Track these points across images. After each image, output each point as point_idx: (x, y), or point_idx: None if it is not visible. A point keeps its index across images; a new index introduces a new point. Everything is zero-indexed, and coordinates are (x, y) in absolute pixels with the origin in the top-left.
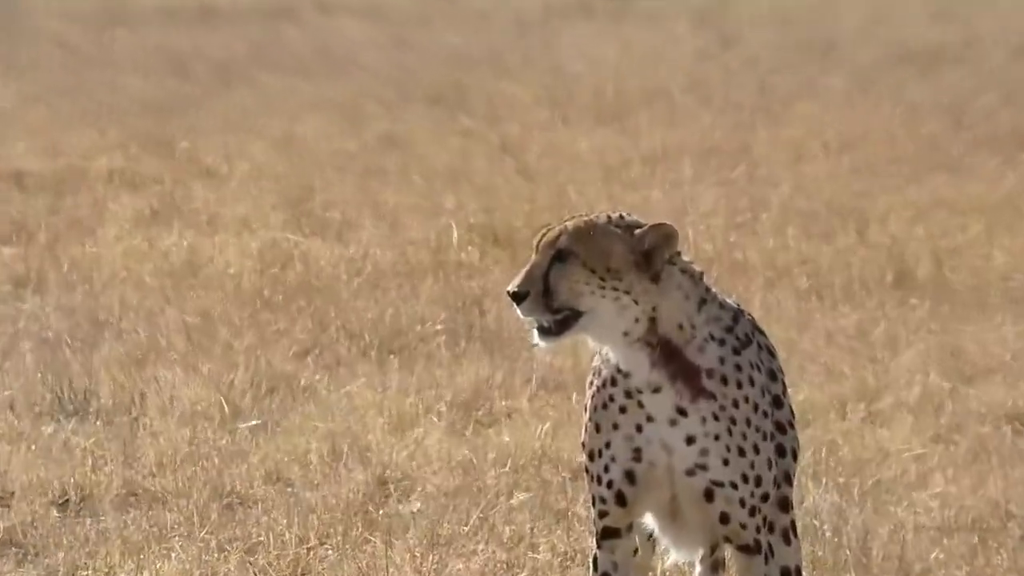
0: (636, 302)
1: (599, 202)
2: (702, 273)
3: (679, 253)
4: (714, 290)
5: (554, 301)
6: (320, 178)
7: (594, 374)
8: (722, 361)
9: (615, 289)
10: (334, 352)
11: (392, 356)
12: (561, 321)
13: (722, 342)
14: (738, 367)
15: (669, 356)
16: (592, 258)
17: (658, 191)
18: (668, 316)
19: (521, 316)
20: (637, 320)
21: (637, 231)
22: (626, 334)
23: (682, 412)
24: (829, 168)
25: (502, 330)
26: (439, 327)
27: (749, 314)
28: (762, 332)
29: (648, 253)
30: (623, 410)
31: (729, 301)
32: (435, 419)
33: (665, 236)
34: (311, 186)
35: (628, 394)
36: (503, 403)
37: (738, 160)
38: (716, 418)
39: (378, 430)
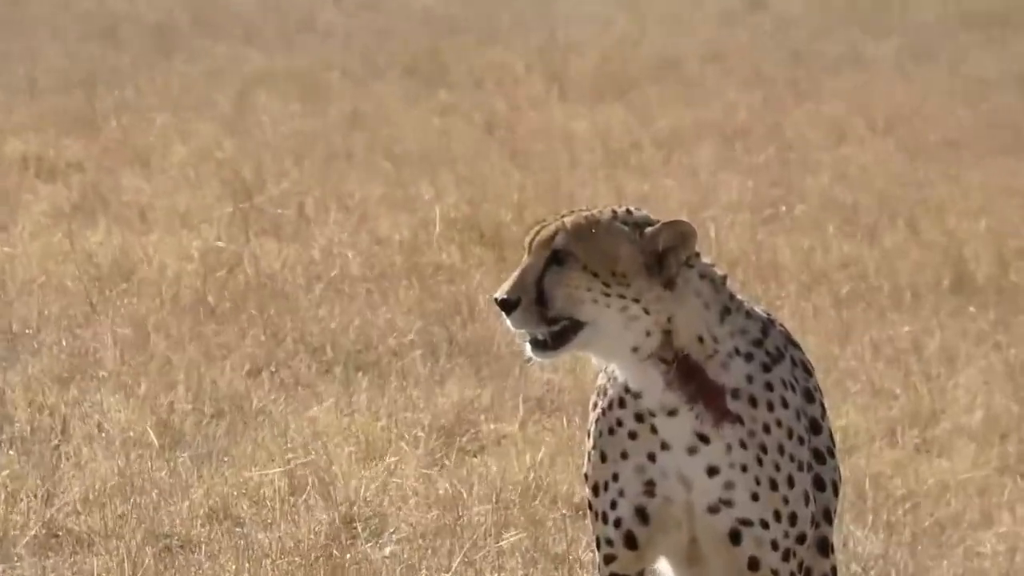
0: (647, 311)
1: (603, 193)
2: (725, 277)
3: (698, 254)
4: (740, 297)
5: (550, 310)
6: (274, 164)
7: (598, 394)
8: (750, 379)
9: (622, 296)
10: (292, 369)
11: (360, 374)
12: (558, 333)
13: (749, 357)
14: (768, 386)
15: (687, 374)
16: (594, 260)
17: (673, 180)
18: (685, 328)
19: (511, 327)
20: (648, 333)
21: (648, 229)
22: (635, 349)
23: (703, 438)
24: (876, 152)
25: (489, 343)
26: (415, 339)
27: (781, 324)
28: (796, 345)
29: (661, 255)
30: (633, 436)
31: (757, 310)
32: (411, 447)
33: (681, 235)
34: (263, 174)
35: (639, 417)
36: (491, 427)
37: (768, 143)
38: (743, 445)
39: (344, 460)
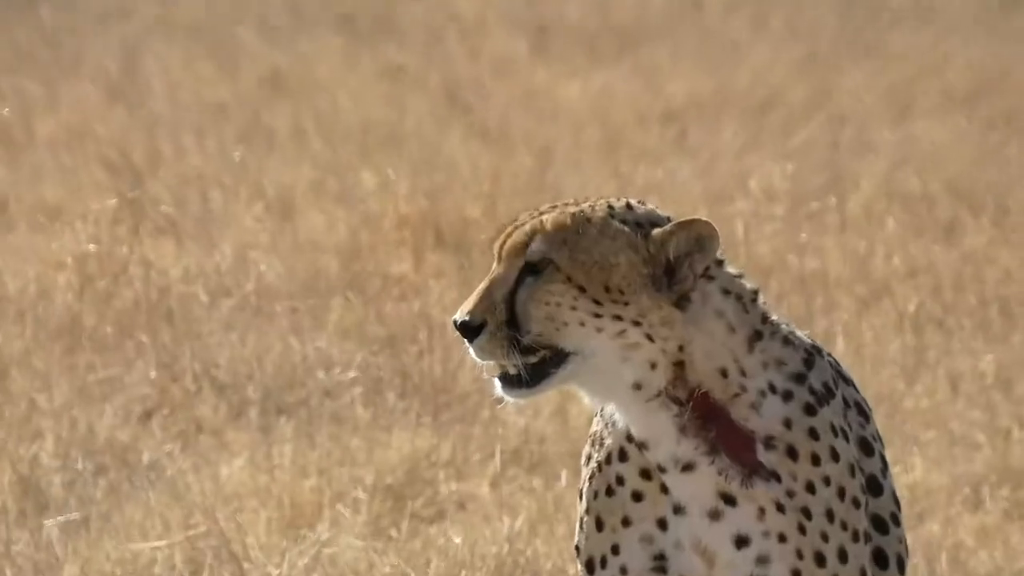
0: (650, 338)
1: (597, 180)
2: (756, 292)
3: (720, 262)
4: (775, 318)
5: (524, 335)
6: (170, 142)
7: (593, 444)
8: (788, 424)
9: (617, 318)
10: (193, 413)
11: (283, 418)
12: (536, 366)
13: (788, 396)
14: (813, 433)
15: (706, 417)
16: (581, 271)
17: (688, 164)
18: (703, 358)
19: (475, 358)
20: (653, 365)
21: (655, 231)
22: (638, 386)
23: (728, 500)
24: (951, 127)
25: (452, 379)
26: (355, 374)
27: (829, 354)
28: (850, 382)
29: (671, 264)
30: (637, 497)
31: (799, 335)
32: (349, 512)
33: (698, 238)
34: (157, 155)
35: (645, 474)
36: (452, 488)
37: (811, 116)
38: (780, 509)
39: (261, 530)
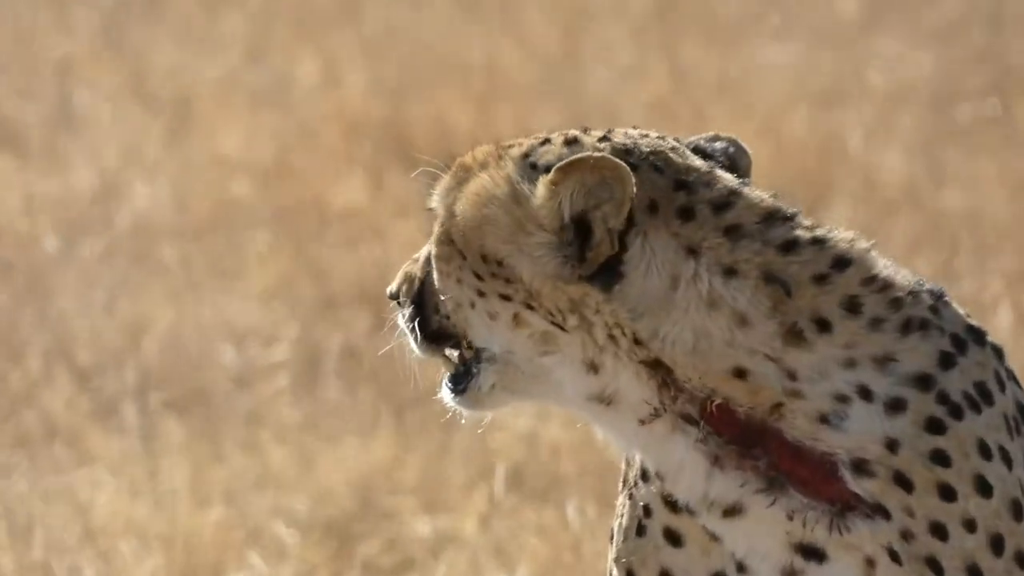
0: (562, 327)
1: (642, 71)
2: (790, 218)
3: (723, 205)
4: (888, 275)
5: (432, 316)
6: (9, 10)
7: (629, 460)
8: (894, 446)
9: (505, 299)
10: (37, 408)
11: (172, 418)
12: (464, 365)
13: (897, 405)
14: (939, 458)
15: (745, 440)
16: (459, 232)
17: (781, 46)
18: (690, 357)
19: (412, 347)
20: (595, 368)
21: (542, 179)
22: (604, 400)
23: (811, 553)
24: None
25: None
26: (280, 355)
27: (989, 341)
28: (1013, 378)
29: (581, 223)
30: (674, 540)
31: (954, 307)
32: (271, 559)
33: (600, 183)
34: None
35: (692, 512)
36: (424, 524)
37: None
38: (895, 558)
39: None
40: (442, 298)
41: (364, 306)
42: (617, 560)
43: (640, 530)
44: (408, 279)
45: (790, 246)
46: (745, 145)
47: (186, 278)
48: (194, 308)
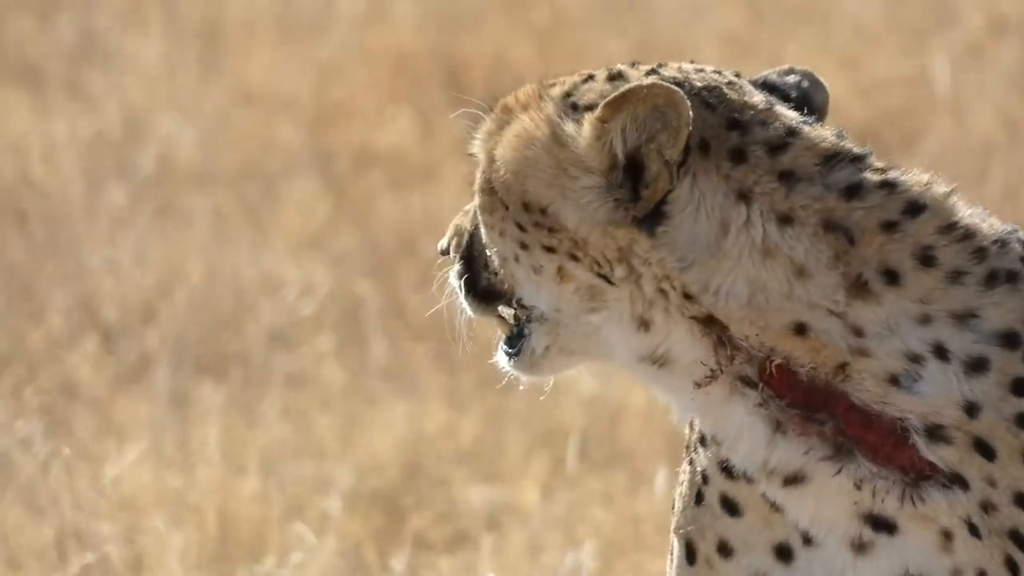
0: (608, 279)
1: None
2: (861, 159)
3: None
4: (972, 225)
5: (481, 274)
6: None
7: (692, 424)
8: (973, 409)
9: (549, 250)
10: (59, 371)
11: (206, 382)
12: (518, 326)
13: (979, 365)
14: None
15: (809, 403)
16: (500, 180)
17: None
18: (744, 310)
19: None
20: (645, 325)
21: (589, 115)
22: (658, 361)
23: (881, 525)
24: None
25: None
26: (319, 309)
27: None
28: None
29: (633, 160)
30: (732, 509)
31: (1014, 234)
32: (312, 534)
33: (653, 112)
34: None
35: (750, 480)
36: (481, 494)
37: None
38: (974, 531)
39: (174, 560)
40: (488, 253)
41: (412, 258)
42: (676, 530)
43: (699, 498)
44: (458, 232)
45: (854, 190)
46: (822, 79)
47: (219, 228)
48: (228, 261)
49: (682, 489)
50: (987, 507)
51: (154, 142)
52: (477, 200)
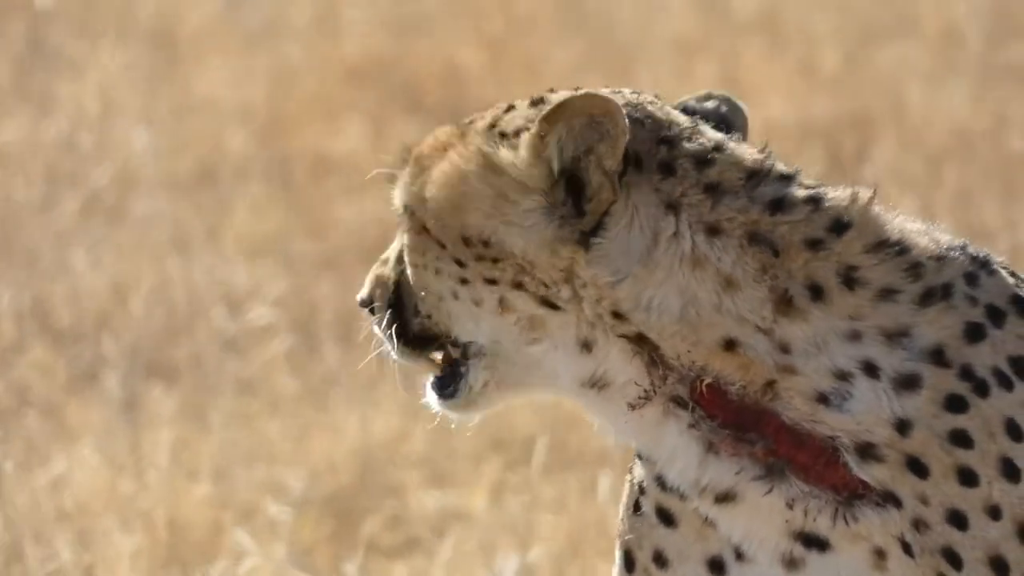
0: (553, 304)
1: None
2: (791, 179)
3: (677, 148)
4: (908, 233)
5: (414, 318)
6: None
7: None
8: (904, 427)
9: (491, 283)
10: (10, 375)
11: (157, 385)
12: (450, 367)
13: (911, 382)
14: (959, 438)
15: (740, 423)
16: (433, 216)
17: None
18: (672, 326)
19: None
20: (587, 346)
21: (523, 135)
22: (596, 384)
23: (812, 542)
24: None
25: None
26: (272, 315)
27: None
28: None
29: (572, 175)
30: (668, 520)
31: (998, 268)
32: (263, 539)
33: (589, 123)
34: None
35: (684, 497)
36: (433, 499)
37: None
38: (908, 550)
39: (124, 568)
40: (420, 295)
41: (365, 264)
42: (620, 537)
43: (636, 507)
44: (380, 282)
45: (779, 204)
46: (740, 103)
47: (172, 234)
48: (181, 267)
49: (624, 497)
50: (920, 525)
51: (108, 149)
52: (406, 242)
